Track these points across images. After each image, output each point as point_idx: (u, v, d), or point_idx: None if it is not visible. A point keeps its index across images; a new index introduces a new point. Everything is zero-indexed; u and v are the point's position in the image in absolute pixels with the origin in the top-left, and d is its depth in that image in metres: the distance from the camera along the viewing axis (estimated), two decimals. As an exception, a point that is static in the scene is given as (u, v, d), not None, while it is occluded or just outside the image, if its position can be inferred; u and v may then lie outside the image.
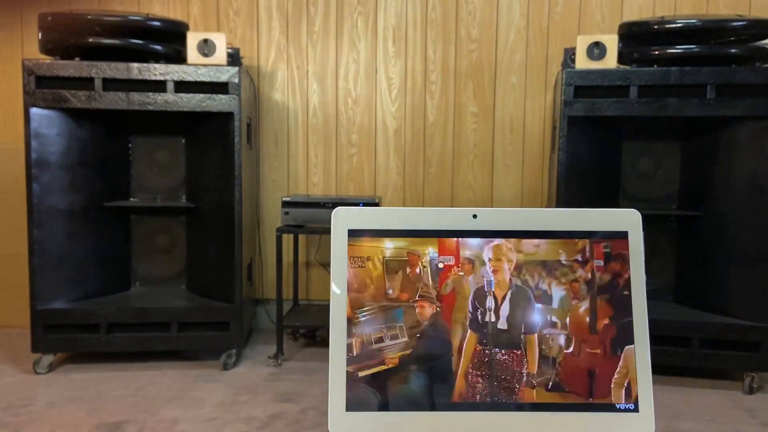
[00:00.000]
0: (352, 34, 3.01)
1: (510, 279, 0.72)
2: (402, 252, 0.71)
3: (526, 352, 0.70)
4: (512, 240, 0.72)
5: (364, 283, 0.71)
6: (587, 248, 0.71)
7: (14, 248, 3.01)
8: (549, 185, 2.82)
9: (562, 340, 0.70)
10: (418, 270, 0.71)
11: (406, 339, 0.70)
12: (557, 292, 0.71)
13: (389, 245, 0.71)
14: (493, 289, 0.72)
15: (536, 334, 0.71)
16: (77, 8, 2.91)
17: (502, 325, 0.71)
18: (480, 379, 0.69)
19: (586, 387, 0.69)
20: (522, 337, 0.71)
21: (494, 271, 0.72)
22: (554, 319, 0.71)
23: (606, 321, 0.71)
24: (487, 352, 0.70)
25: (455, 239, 0.71)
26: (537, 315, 0.71)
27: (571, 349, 0.70)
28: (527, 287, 0.71)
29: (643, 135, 2.58)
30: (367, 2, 3.00)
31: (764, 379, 2.41)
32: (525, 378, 0.70)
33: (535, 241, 0.72)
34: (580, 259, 0.71)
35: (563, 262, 0.71)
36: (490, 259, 0.72)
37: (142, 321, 2.44)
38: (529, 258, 0.72)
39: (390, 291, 0.71)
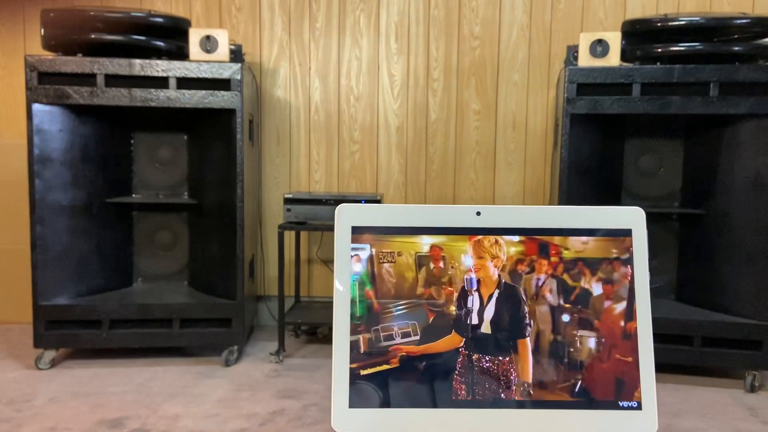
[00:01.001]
0: (354, 31, 3.01)
1: (499, 277, 0.70)
2: (428, 247, 0.69)
3: (516, 359, 0.69)
4: (556, 237, 0.70)
5: (391, 280, 0.70)
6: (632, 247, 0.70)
7: (17, 244, 3.01)
8: (551, 183, 2.82)
9: (592, 342, 0.69)
10: (442, 265, 0.70)
11: (417, 337, 0.69)
12: (594, 291, 0.70)
13: (427, 240, 0.70)
14: (474, 287, 0.70)
15: (528, 338, 0.69)
16: (80, 4, 2.90)
17: (486, 328, 0.69)
18: (464, 386, 0.68)
19: (613, 391, 0.68)
20: (511, 341, 0.70)
21: (477, 269, 0.70)
22: (586, 319, 0.69)
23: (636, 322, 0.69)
24: (467, 356, 0.68)
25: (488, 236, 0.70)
26: (558, 315, 0.69)
27: (599, 352, 0.68)
28: (517, 285, 0.69)
29: (646, 133, 2.58)
30: (369, -1, 2.99)
31: (766, 377, 2.41)
32: (515, 387, 0.68)
33: (584, 238, 0.70)
34: (626, 257, 0.70)
35: (611, 259, 0.70)
36: (472, 257, 0.70)
37: (144, 317, 2.44)
38: (578, 255, 0.70)
39: (416, 288, 0.70)
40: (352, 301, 0.69)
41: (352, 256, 0.69)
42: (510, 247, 0.70)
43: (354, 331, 0.69)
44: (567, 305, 0.69)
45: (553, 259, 0.70)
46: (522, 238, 0.70)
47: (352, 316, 0.69)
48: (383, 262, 0.70)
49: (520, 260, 0.70)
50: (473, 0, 2.96)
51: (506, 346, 0.69)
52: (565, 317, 0.69)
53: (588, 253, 0.70)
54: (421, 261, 0.70)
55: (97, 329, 2.42)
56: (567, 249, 0.70)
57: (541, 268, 0.70)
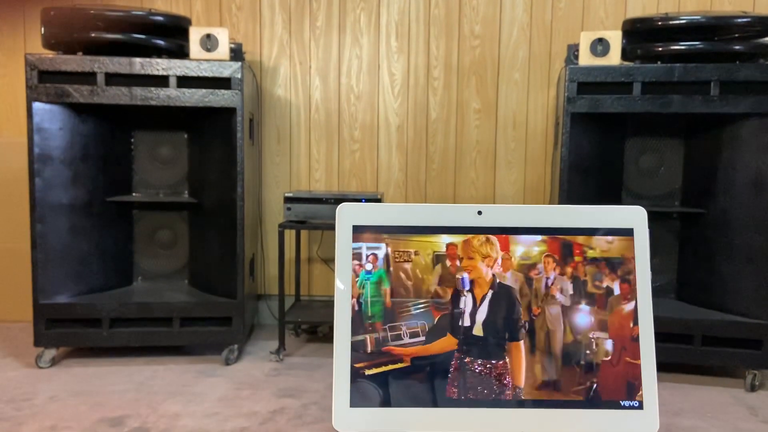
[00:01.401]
0: (354, 29, 3.00)
1: (493, 277, 0.70)
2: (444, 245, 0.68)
3: (509, 362, 0.68)
4: (580, 237, 0.69)
5: (406, 279, 0.69)
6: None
7: (17, 243, 3.01)
8: (552, 182, 2.82)
9: (609, 345, 0.68)
10: (458, 264, 0.69)
11: (423, 338, 0.69)
12: (614, 291, 0.69)
13: (446, 239, 0.69)
14: (467, 288, 0.70)
15: (522, 342, 0.69)
16: (80, 3, 2.90)
17: (477, 330, 0.68)
18: (458, 388, 0.68)
19: (621, 391, 0.67)
20: (504, 344, 0.69)
21: (468, 270, 0.70)
22: (602, 321, 0.68)
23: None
24: (460, 359, 0.67)
25: (505, 235, 0.69)
26: (567, 315, 0.68)
27: (609, 353, 0.68)
28: (514, 286, 0.68)
29: (646, 132, 2.57)
30: (370, -2, 2.99)
31: (766, 376, 2.41)
32: (509, 390, 0.67)
33: (609, 237, 0.70)
34: (633, 257, 0.69)
35: (621, 259, 0.69)
36: (462, 258, 0.70)
37: (144, 316, 2.44)
38: (603, 254, 0.69)
39: (429, 287, 0.69)
40: (365, 301, 0.69)
41: (368, 256, 0.69)
42: (516, 246, 0.70)
43: (364, 330, 0.69)
44: (576, 305, 0.69)
45: (567, 259, 0.69)
46: (545, 237, 0.69)
47: (365, 315, 0.68)
48: (399, 261, 0.69)
49: (528, 260, 0.69)
50: (474, -1, 2.95)
51: (498, 349, 0.68)
52: (574, 317, 0.69)
53: (599, 253, 0.70)
54: (438, 259, 0.69)
55: (97, 328, 2.42)
56: (592, 249, 0.69)
57: (549, 268, 0.69)
